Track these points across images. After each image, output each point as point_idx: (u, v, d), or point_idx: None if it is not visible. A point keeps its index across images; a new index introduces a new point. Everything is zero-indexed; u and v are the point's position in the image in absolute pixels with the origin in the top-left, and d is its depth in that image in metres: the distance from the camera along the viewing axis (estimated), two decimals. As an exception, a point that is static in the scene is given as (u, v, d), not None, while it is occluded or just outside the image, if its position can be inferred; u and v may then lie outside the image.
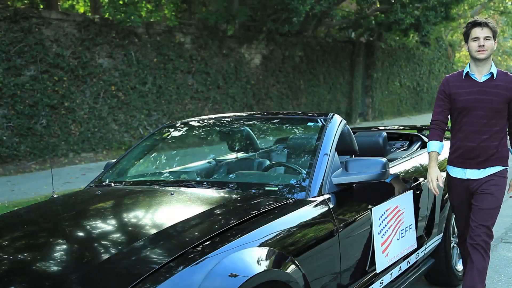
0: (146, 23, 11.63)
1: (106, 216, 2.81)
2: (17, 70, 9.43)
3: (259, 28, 14.05)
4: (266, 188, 2.95)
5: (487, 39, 3.28)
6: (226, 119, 4.09)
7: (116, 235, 2.48)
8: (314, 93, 16.55)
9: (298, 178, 3.07)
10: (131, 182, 3.48)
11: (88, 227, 2.60)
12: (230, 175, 3.63)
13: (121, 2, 10.85)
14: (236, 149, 4.12)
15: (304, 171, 3.08)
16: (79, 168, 9.71)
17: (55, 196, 3.41)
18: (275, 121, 4.05)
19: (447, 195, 3.93)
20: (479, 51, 3.26)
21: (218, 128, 4.07)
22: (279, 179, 3.21)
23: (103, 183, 3.49)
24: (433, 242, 3.75)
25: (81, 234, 2.54)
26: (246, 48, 14.14)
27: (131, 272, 2.01)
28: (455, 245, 4.10)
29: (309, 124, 3.75)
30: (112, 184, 3.43)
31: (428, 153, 3.45)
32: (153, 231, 2.40)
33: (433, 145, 3.45)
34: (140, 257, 2.12)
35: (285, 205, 2.68)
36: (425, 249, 3.62)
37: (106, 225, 2.64)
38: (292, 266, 2.35)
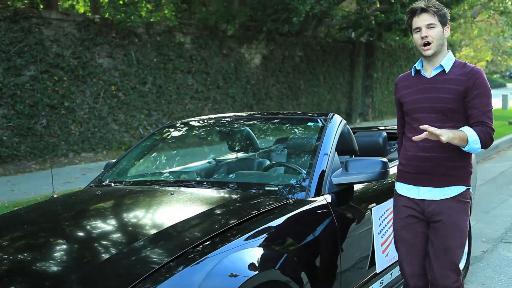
0: (146, 23, 11.63)
1: (106, 216, 2.81)
2: (17, 70, 9.43)
3: (259, 28, 14.05)
4: (266, 188, 2.95)
5: (431, 27, 2.63)
6: (226, 119, 4.09)
7: (116, 235, 2.48)
8: (314, 93, 16.54)
9: (298, 178, 3.07)
10: (131, 182, 3.48)
11: (88, 227, 2.60)
12: (230, 175, 3.63)
13: (121, 2, 10.85)
14: (236, 149, 4.12)
15: (304, 171, 3.09)
16: (79, 168, 9.71)
17: (55, 196, 3.41)
18: (275, 121, 4.05)
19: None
20: (423, 45, 2.64)
21: (218, 128, 4.07)
22: (279, 179, 3.21)
23: (103, 183, 3.49)
24: (433, 242, 3.73)
25: (81, 234, 2.54)
26: (246, 48, 14.14)
27: (131, 272, 2.01)
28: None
29: (309, 124, 3.75)
30: (112, 184, 3.43)
31: None
32: (153, 231, 2.40)
33: None
34: (140, 257, 2.12)
35: (285, 205, 2.68)
36: (425, 249, 3.60)
37: (106, 225, 2.64)
38: (292, 266, 2.35)
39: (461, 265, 4.14)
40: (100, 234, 2.50)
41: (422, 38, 2.63)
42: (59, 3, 12.06)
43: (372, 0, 14.56)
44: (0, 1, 9.80)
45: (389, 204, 3.20)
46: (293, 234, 2.53)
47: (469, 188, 2.74)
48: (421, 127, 2.44)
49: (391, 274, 3.26)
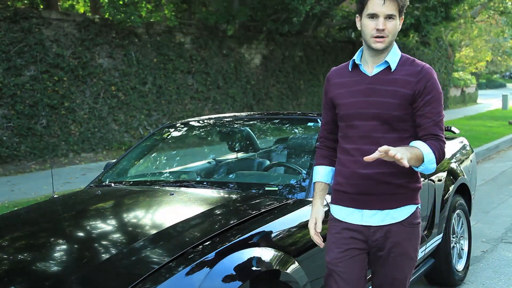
0: (146, 23, 11.63)
1: (106, 216, 2.81)
2: (17, 70, 9.43)
3: (259, 28, 14.05)
4: (266, 188, 2.95)
5: (390, 19, 2.13)
6: (226, 119, 4.09)
7: (116, 235, 2.48)
8: (314, 93, 16.55)
9: (298, 178, 3.07)
10: (131, 182, 3.48)
11: (88, 227, 2.60)
12: (230, 175, 3.63)
13: (121, 2, 10.85)
14: (236, 149, 4.12)
15: (304, 171, 3.09)
16: (79, 168, 9.71)
17: (55, 196, 3.41)
18: (275, 121, 4.05)
19: (447, 194, 3.94)
20: (376, 37, 2.13)
21: (218, 128, 4.07)
22: (279, 179, 3.21)
23: (103, 183, 3.49)
24: (433, 242, 3.75)
25: (81, 234, 2.54)
26: (246, 48, 14.14)
27: (131, 272, 2.01)
28: (455, 245, 4.10)
29: (309, 124, 3.75)
30: (112, 184, 3.43)
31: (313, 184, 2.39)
32: (153, 231, 2.40)
33: (316, 173, 2.39)
34: (140, 257, 2.12)
35: (285, 205, 2.68)
36: (425, 249, 3.62)
37: (106, 225, 2.64)
38: (292, 266, 2.35)
39: (461, 266, 4.14)
40: (100, 234, 2.50)
41: (378, 30, 2.12)
42: (59, 3, 12.06)
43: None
44: (0, 1, 9.79)
45: (389, 204, 3.19)
46: (293, 234, 2.53)
47: (419, 206, 2.31)
48: (380, 149, 1.92)
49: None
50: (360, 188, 2.19)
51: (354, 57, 2.25)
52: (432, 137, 2.15)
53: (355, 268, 2.23)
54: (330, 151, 2.37)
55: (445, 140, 2.20)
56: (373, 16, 2.12)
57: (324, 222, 2.34)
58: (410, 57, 2.24)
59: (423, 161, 2.08)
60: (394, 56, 2.19)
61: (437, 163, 2.14)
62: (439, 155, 2.13)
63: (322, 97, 2.37)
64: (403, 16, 2.20)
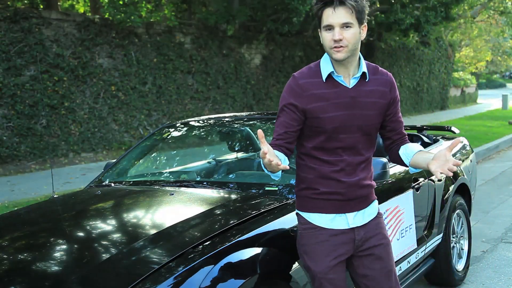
0: (146, 23, 11.63)
1: (106, 216, 2.81)
2: (17, 70, 9.43)
3: (259, 28, 14.05)
4: (266, 188, 2.96)
5: (347, 27, 2.07)
6: (226, 119, 4.09)
7: (116, 235, 2.48)
8: (314, 93, 16.54)
9: (298, 178, 3.06)
10: (131, 182, 3.48)
11: (88, 227, 2.61)
12: (230, 175, 3.63)
13: (121, 2, 10.85)
14: (236, 149, 4.12)
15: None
16: (79, 168, 9.71)
17: (55, 196, 3.41)
18: (275, 121, 4.05)
19: (447, 194, 3.94)
20: (335, 48, 2.08)
21: (218, 128, 4.07)
22: (279, 179, 3.21)
23: (103, 183, 3.49)
24: (433, 242, 3.75)
25: (81, 234, 2.54)
26: (246, 48, 14.14)
27: (131, 272, 2.01)
28: (455, 245, 4.10)
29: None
30: (112, 184, 3.43)
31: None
32: (153, 231, 2.40)
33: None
34: (140, 257, 2.12)
35: (285, 205, 2.68)
36: (425, 249, 3.62)
37: (106, 225, 2.64)
38: (292, 266, 2.35)
39: (461, 266, 4.14)
40: (100, 234, 2.50)
41: (335, 41, 2.07)
42: (59, 3, 12.06)
43: (372, 0, 14.56)
44: (0, 1, 9.79)
45: (389, 204, 3.20)
46: (293, 234, 2.53)
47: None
48: (455, 140, 2.05)
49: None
50: (346, 195, 2.25)
51: (329, 68, 2.16)
52: (406, 138, 2.37)
53: (342, 272, 2.30)
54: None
55: None
56: (329, 27, 2.09)
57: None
58: (370, 63, 2.26)
59: None
60: (364, 65, 2.20)
61: None
62: None
63: (282, 106, 2.22)
64: (366, 24, 2.14)
